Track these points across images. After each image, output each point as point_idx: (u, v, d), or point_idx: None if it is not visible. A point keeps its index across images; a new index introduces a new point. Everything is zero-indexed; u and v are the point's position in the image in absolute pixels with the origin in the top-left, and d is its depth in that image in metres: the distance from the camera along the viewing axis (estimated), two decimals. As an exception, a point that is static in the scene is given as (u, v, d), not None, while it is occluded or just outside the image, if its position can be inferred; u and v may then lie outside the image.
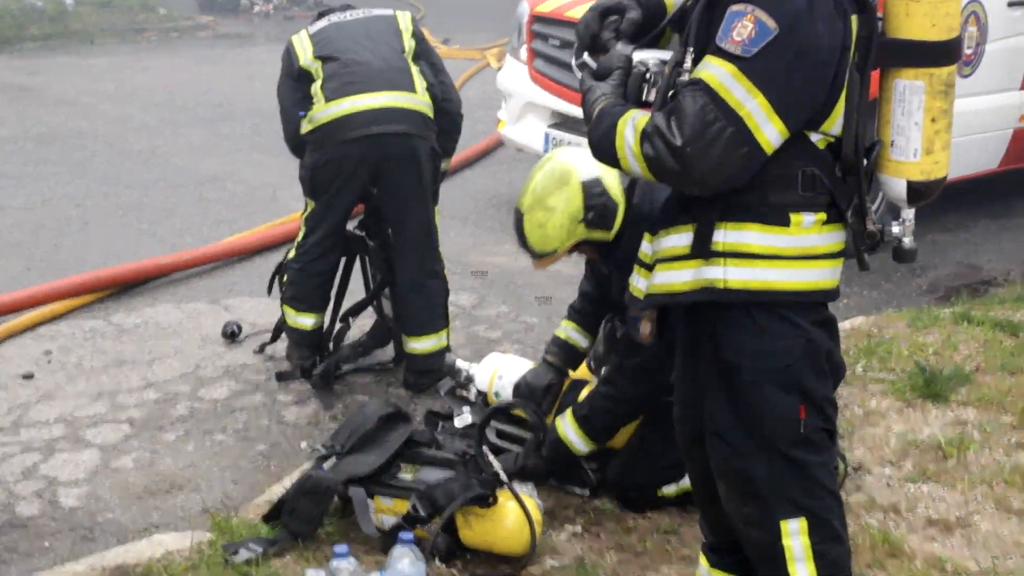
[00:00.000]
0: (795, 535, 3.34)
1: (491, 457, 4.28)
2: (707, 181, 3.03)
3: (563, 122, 8.34)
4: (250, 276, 7.37)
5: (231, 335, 6.34)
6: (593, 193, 4.44)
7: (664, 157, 3.01)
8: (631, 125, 3.10)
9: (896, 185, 3.26)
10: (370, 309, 6.20)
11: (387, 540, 4.17)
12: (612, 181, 4.49)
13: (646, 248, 3.41)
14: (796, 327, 3.23)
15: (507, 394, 4.94)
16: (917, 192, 3.25)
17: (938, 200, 3.43)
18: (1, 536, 4.60)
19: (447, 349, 5.90)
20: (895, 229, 3.32)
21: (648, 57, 3.29)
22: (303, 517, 4.31)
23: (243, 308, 6.82)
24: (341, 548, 3.74)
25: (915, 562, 4.26)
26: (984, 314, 6.55)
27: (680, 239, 3.25)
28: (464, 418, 4.90)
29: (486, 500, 4.11)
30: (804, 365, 3.26)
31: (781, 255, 3.17)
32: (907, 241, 3.33)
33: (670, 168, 3.03)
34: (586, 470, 4.74)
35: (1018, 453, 5.06)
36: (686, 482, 4.62)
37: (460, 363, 5.22)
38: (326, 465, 4.46)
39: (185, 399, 5.74)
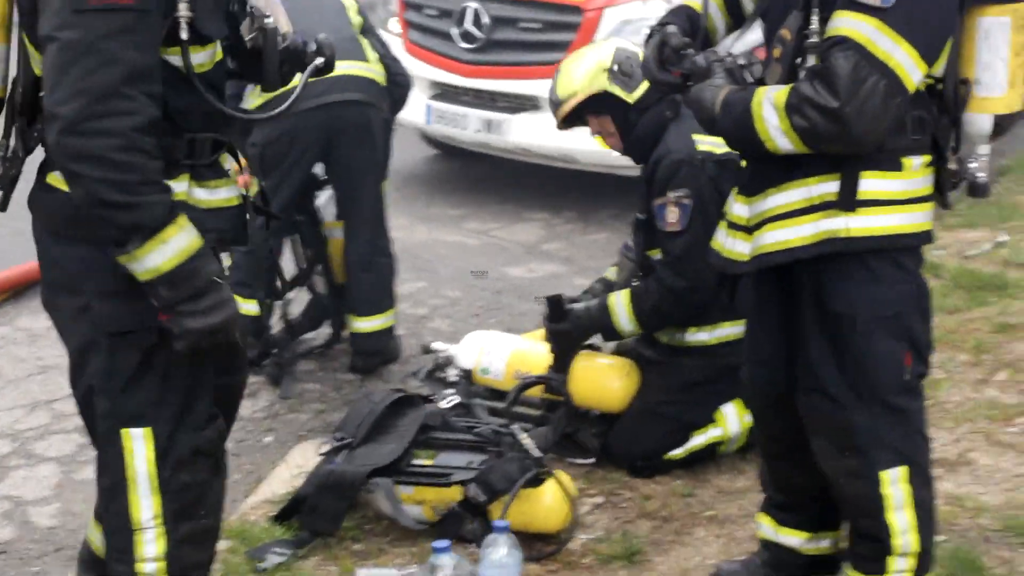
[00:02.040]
0: (896, 483, 3.37)
1: (524, 435, 4.17)
2: (865, 138, 3.03)
3: (444, 93, 8.21)
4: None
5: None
6: (624, 55, 4.60)
7: (819, 124, 3.01)
8: (769, 103, 3.09)
9: (981, 121, 3.30)
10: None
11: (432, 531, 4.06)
12: None
13: (741, 211, 3.37)
14: (908, 272, 3.29)
15: (496, 369, 4.86)
16: (999, 127, 3.32)
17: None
18: (-17, 565, 4.29)
19: (393, 330, 5.75)
20: (972, 166, 3.36)
21: (735, 48, 3.30)
22: (327, 514, 4.14)
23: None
24: (441, 543, 3.60)
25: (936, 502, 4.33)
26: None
27: (793, 195, 3.24)
28: (449, 399, 4.78)
29: (540, 480, 4.00)
30: (914, 311, 3.31)
31: (896, 199, 3.21)
32: (983, 175, 3.38)
33: (828, 133, 3.02)
34: (588, 437, 4.69)
35: (985, 388, 5.20)
36: (693, 443, 4.63)
37: (437, 344, 5.10)
38: (338, 458, 4.28)
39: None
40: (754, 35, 3.33)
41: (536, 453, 4.13)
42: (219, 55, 2.95)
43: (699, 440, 4.63)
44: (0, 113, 3.00)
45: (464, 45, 7.97)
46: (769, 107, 3.09)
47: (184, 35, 2.78)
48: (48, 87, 2.69)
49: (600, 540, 4.19)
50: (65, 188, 2.79)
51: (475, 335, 5.06)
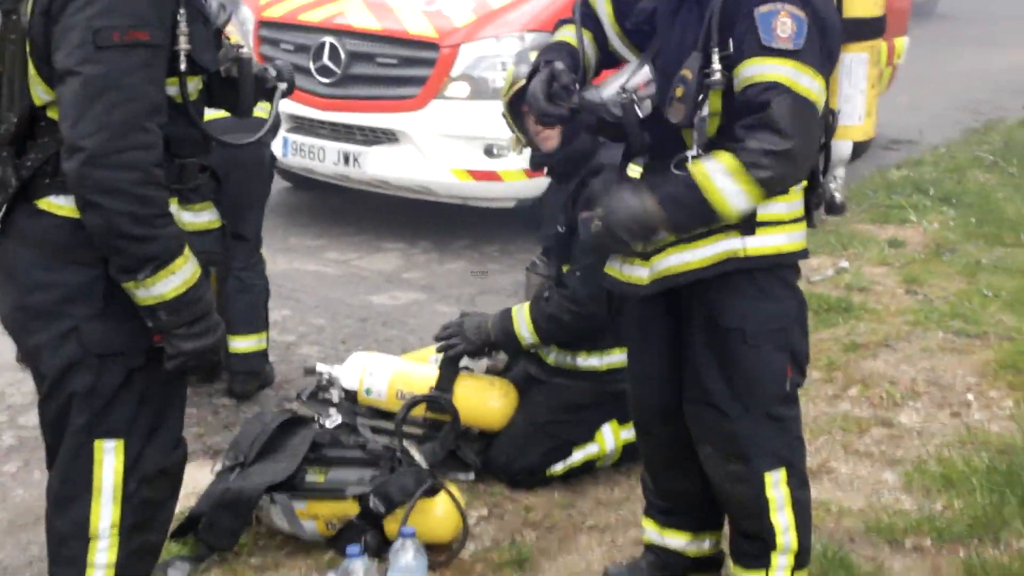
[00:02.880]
0: (777, 485, 3.61)
1: (413, 450, 4.32)
2: (807, 165, 3.32)
3: (301, 126, 8.31)
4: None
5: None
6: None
7: (779, 167, 3.21)
8: (720, 173, 3.23)
9: (843, 147, 3.63)
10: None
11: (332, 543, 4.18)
12: None
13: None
14: (792, 288, 3.55)
15: (379, 390, 4.98)
16: (856, 152, 3.65)
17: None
18: None
19: (267, 354, 5.85)
20: (831, 187, 3.66)
21: (628, 84, 3.49)
22: (225, 530, 4.23)
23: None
24: (354, 549, 3.72)
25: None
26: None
27: None
28: (333, 419, 4.88)
29: (435, 491, 4.16)
30: (795, 324, 3.56)
31: (783, 220, 3.45)
32: (839, 196, 3.71)
33: (787, 173, 3.25)
34: (469, 454, 4.84)
35: (839, 403, 5.52)
36: (572, 459, 4.83)
37: (320, 366, 5.20)
38: (232, 477, 4.37)
39: (7, 428, 5.42)
40: (642, 73, 3.53)
41: (423, 464, 4.28)
42: (201, 84, 3.10)
43: (578, 456, 4.84)
44: None
45: (321, 79, 8.08)
46: (722, 177, 3.23)
47: (183, 67, 2.92)
48: (70, 119, 2.77)
49: (489, 549, 4.35)
50: (59, 213, 2.91)
51: (357, 356, 5.17)
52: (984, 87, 14.14)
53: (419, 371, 5.00)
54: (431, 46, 7.87)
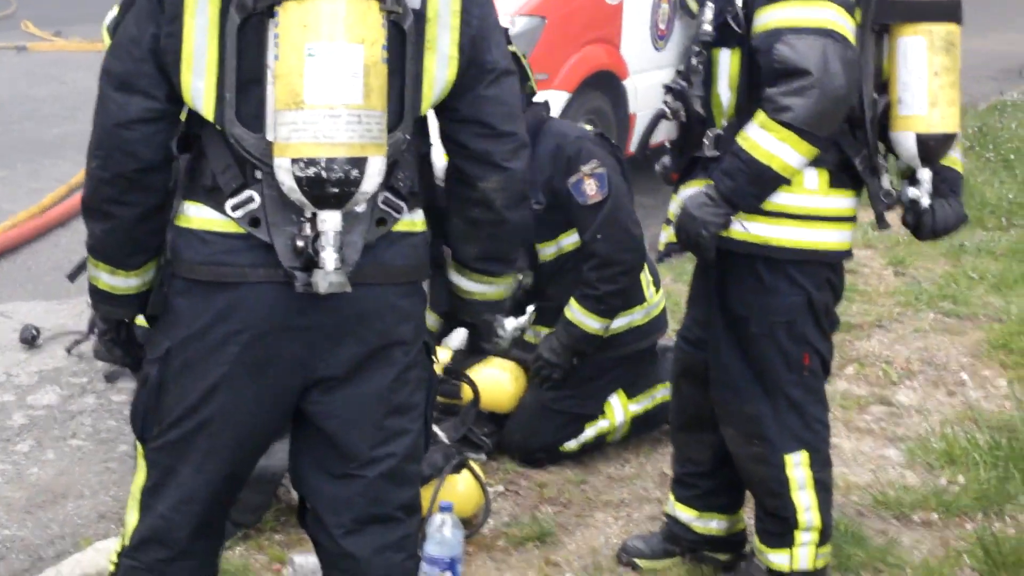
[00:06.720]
0: (798, 466, 3.69)
1: (436, 427, 4.38)
2: (839, 98, 3.27)
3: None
4: (16, 277, 7.01)
5: (31, 339, 6.03)
6: None
7: (801, 104, 3.22)
8: (753, 130, 3.30)
9: (907, 140, 3.47)
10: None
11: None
12: None
13: (672, 207, 3.65)
14: (798, 286, 3.51)
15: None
16: (926, 147, 3.47)
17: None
18: None
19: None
20: (911, 191, 3.55)
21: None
22: (249, 507, 4.26)
23: (22, 312, 6.47)
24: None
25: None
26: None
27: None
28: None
29: (463, 467, 4.23)
30: (806, 320, 3.56)
31: (786, 213, 3.43)
32: (925, 201, 3.53)
33: (812, 109, 3.23)
34: (479, 435, 4.90)
35: (837, 381, 5.61)
36: (585, 436, 4.91)
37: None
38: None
39: (16, 408, 5.44)
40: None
41: (446, 441, 4.36)
42: None
43: (590, 433, 4.91)
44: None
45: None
46: (756, 131, 3.29)
47: None
48: (513, 120, 2.81)
49: (509, 525, 4.43)
50: (418, 229, 2.79)
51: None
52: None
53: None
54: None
